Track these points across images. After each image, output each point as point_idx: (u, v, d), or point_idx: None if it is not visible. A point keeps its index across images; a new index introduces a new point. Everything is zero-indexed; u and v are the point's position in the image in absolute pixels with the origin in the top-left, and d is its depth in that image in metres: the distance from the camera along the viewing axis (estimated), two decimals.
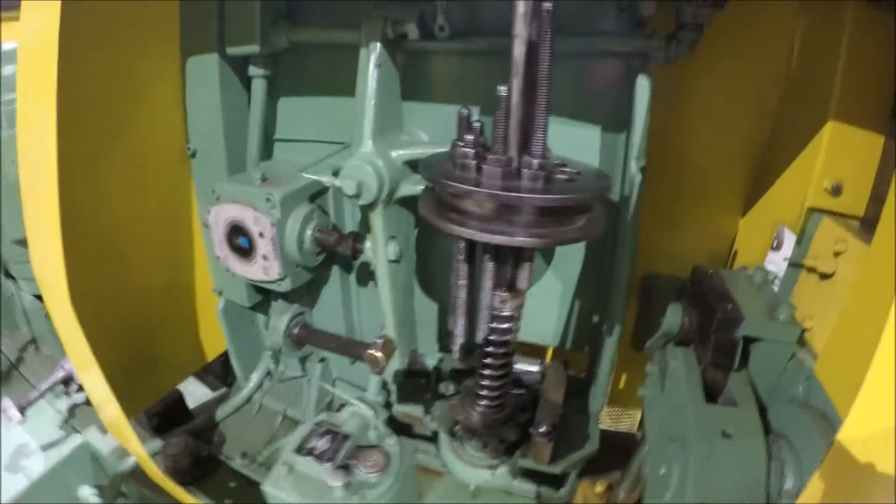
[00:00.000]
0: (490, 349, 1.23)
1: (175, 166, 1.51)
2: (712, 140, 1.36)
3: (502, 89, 0.93)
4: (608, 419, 2.01)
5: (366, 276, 1.59)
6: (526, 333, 1.48)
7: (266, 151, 1.53)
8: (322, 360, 1.72)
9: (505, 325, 1.20)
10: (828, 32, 1.11)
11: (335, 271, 1.60)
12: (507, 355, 1.25)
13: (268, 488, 1.29)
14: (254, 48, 1.32)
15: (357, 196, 1.18)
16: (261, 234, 1.30)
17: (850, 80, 1.09)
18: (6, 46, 1.76)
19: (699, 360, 1.14)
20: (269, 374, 1.78)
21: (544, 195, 0.92)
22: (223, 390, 1.90)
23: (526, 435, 1.37)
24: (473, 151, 0.97)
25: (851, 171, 1.13)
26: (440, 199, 1.05)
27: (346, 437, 1.33)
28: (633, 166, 1.16)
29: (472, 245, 1.08)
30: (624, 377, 1.71)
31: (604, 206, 1.12)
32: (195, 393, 1.88)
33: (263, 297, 1.65)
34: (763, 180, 1.34)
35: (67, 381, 1.63)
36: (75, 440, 1.61)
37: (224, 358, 1.84)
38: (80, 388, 1.65)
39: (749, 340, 1.10)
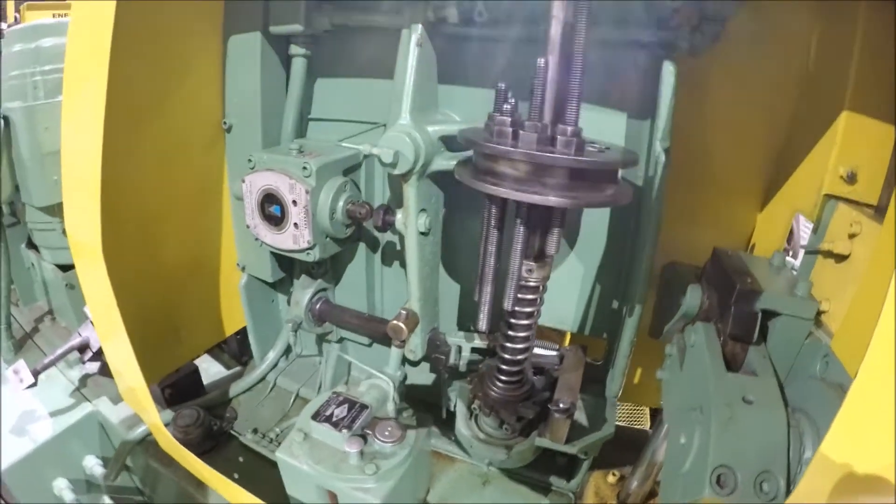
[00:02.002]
0: (513, 321, 1.30)
1: (210, 141, 1.61)
2: (732, 134, 1.45)
3: (541, 60, 1.03)
4: (623, 416, 2.04)
5: (391, 255, 1.66)
6: (546, 318, 1.56)
7: (300, 130, 1.62)
8: (340, 340, 1.77)
9: (531, 297, 1.27)
10: (842, 28, 1.21)
11: (361, 250, 1.68)
12: (529, 328, 1.32)
13: (281, 454, 1.34)
14: (297, 27, 1.42)
15: (393, 165, 1.26)
16: (294, 202, 1.38)
17: (864, 72, 1.18)
18: (42, 21, 1.90)
19: (719, 335, 1.19)
20: (285, 353, 1.83)
21: (577, 157, 1.01)
22: (238, 369, 1.95)
23: (543, 415, 1.42)
24: (510, 119, 1.07)
25: (866, 159, 1.21)
26: (476, 164, 1.14)
27: (363, 406, 1.37)
28: (658, 147, 1.25)
29: (502, 212, 1.16)
30: (639, 372, 1.75)
31: (630, 187, 1.22)
32: (210, 370, 1.93)
33: (286, 274, 1.72)
34: (780, 173, 1.43)
35: (83, 348, 1.68)
36: (85, 408, 1.66)
37: (241, 336, 1.90)
38: (94, 357, 1.71)
39: (768, 316, 1.16)
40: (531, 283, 1.24)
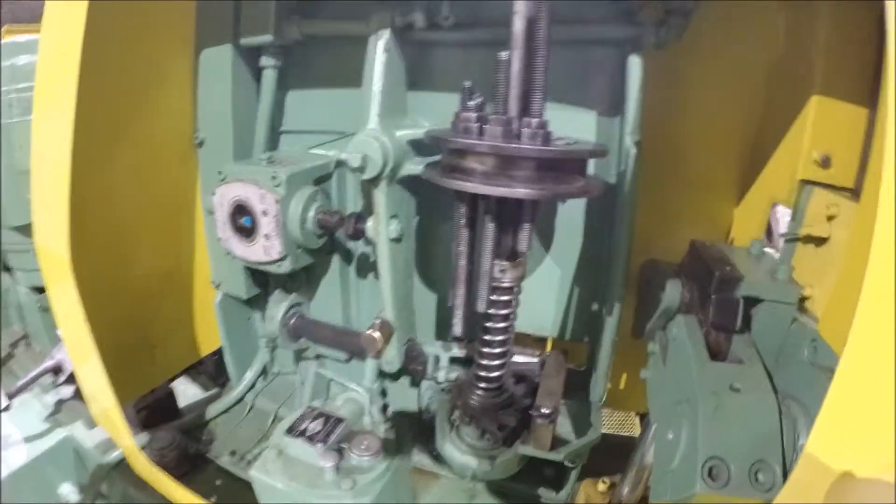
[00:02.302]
0: (489, 324, 1.27)
1: (182, 156, 1.60)
2: (704, 128, 1.45)
3: (503, 54, 1.03)
4: (612, 424, 1.99)
5: (366, 267, 1.64)
6: (525, 325, 1.54)
7: (272, 143, 1.62)
8: (318, 357, 1.72)
9: (505, 298, 1.24)
10: (808, 13, 1.22)
11: (335, 263, 1.65)
12: (506, 331, 1.28)
13: (255, 473, 1.29)
14: (267, 38, 1.43)
15: (362, 169, 1.25)
16: (264, 213, 1.36)
17: (832, 56, 1.19)
18: (15, 39, 1.91)
19: (700, 326, 1.17)
20: (263, 373, 1.78)
21: (543, 147, 1.00)
22: (215, 390, 1.89)
23: (526, 423, 1.37)
24: (476, 115, 1.06)
25: (839, 143, 1.21)
26: (444, 163, 1.13)
27: (339, 420, 1.33)
28: (629, 140, 1.24)
29: (472, 210, 1.14)
30: (624, 377, 1.71)
31: (600, 180, 1.21)
32: (186, 392, 1.88)
33: (261, 290, 1.69)
34: (755, 163, 1.42)
35: (56, 370, 1.63)
36: (59, 434, 1.59)
37: (217, 358, 1.85)
38: (68, 381, 1.66)
39: (750, 303, 1.14)
40: (505, 284, 1.21)
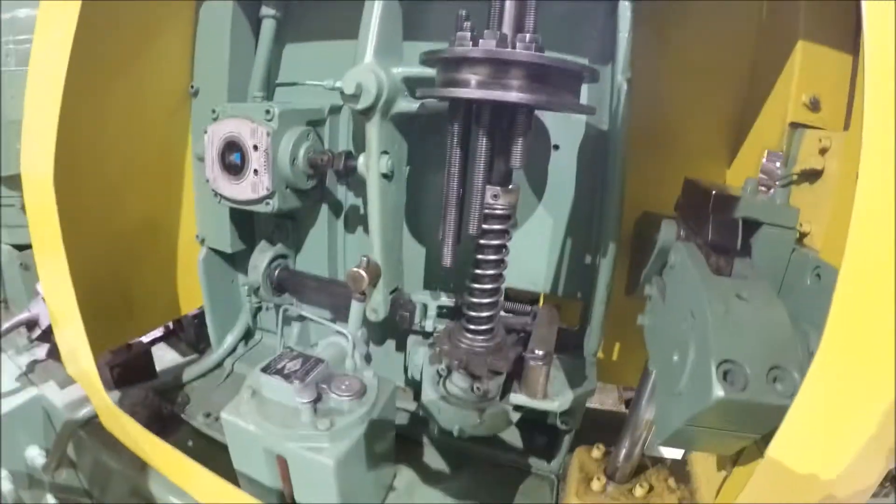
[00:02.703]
0: (480, 255, 1.24)
1: (176, 105, 1.62)
2: (697, 82, 1.47)
3: None
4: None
5: (354, 220, 1.62)
6: (516, 279, 1.51)
7: (268, 95, 1.63)
8: (302, 318, 1.67)
9: (498, 227, 1.22)
10: None
11: (323, 215, 1.63)
12: (499, 264, 1.25)
13: (225, 415, 1.21)
14: None
15: (356, 97, 1.25)
16: (255, 147, 1.36)
17: (815, 5, 1.23)
18: None
19: (700, 250, 1.14)
20: (244, 338, 1.72)
21: (536, 53, 1.01)
22: (194, 356, 1.82)
23: (517, 373, 1.32)
24: (470, 34, 1.07)
25: (827, 86, 1.23)
26: (438, 80, 1.13)
27: (319, 360, 1.27)
28: (620, 78, 1.26)
29: (465, 127, 1.14)
30: (617, 347, 1.66)
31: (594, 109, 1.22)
32: (164, 357, 1.80)
33: (247, 246, 1.65)
34: (746, 115, 1.44)
35: (31, 325, 1.58)
36: (29, 392, 1.54)
37: (198, 324, 1.79)
38: (43, 337, 1.60)
39: (749, 230, 1.11)
40: (498, 211, 1.19)
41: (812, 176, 1.18)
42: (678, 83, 1.49)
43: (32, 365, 1.69)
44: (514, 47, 1.04)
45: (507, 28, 1.07)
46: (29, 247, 2.00)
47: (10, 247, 2.04)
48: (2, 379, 1.61)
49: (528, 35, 1.04)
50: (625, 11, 1.27)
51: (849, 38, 1.23)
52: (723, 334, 0.88)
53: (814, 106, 1.24)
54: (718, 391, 0.81)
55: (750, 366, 0.83)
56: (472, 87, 1.03)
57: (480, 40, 1.05)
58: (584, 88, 1.39)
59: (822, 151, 1.15)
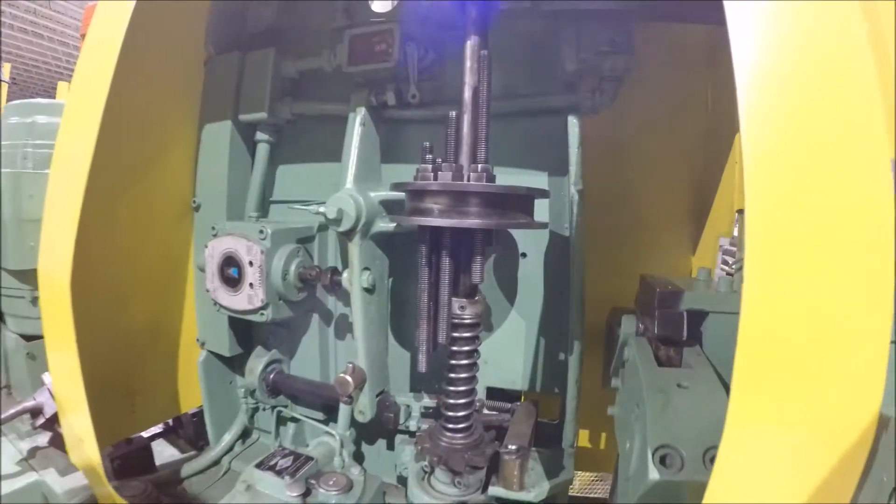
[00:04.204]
0: (453, 361, 1.47)
1: (179, 218, 1.91)
2: (654, 181, 1.74)
3: (452, 113, 1.35)
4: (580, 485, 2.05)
5: (344, 328, 1.86)
6: (496, 380, 1.74)
7: (263, 211, 1.93)
8: (296, 420, 1.89)
9: (467, 334, 1.45)
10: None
11: (314, 323, 1.87)
12: (471, 367, 1.47)
13: None
14: (262, 115, 1.79)
15: (337, 221, 1.52)
16: (251, 263, 1.63)
17: None
18: (38, 100, 2.35)
19: (650, 343, 1.35)
20: (242, 437, 1.94)
21: (486, 184, 1.28)
22: (193, 453, 2.03)
23: (496, 467, 1.52)
24: (431, 167, 1.35)
25: None
26: (407, 207, 1.40)
27: (308, 458, 1.48)
28: (573, 189, 1.52)
29: (432, 249, 1.39)
30: (601, 437, 1.84)
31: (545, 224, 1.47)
32: (164, 453, 2.01)
33: (244, 350, 1.91)
34: (703, 207, 1.68)
35: (36, 413, 1.81)
36: (30, 477, 1.75)
37: (197, 422, 2.02)
38: (46, 425, 1.83)
39: (696, 319, 1.32)
40: (466, 321, 1.43)
41: None
42: (637, 183, 1.76)
43: (34, 451, 1.90)
44: (468, 177, 1.32)
45: (464, 158, 1.36)
46: (35, 338, 2.29)
47: (18, 336, 2.33)
48: (2, 462, 1.83)
49: (479, 166, 1.32)
50: (573, 127, 1.54)
51: None
52: (660, 422, 1.05)
53: None
54: (654, 474, 0.97)
55: (686, 449, 0.98)
56: (434, 216, 1.30)
57: (439, 172, 1.33)
58: (546, 200, 1.67)
59: None
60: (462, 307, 1.41)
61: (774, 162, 0.78)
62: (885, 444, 0.88)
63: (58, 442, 1.90)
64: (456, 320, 1.41)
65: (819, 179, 0.78)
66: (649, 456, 1.00)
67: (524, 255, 1.68)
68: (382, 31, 1.66)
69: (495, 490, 1.48)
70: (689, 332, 1.32)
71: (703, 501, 0.85)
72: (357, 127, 1.66)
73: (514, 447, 1.45)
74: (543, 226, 1.40)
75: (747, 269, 0.82)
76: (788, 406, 0.81)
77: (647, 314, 1.45)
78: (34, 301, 2.26)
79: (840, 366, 0.79)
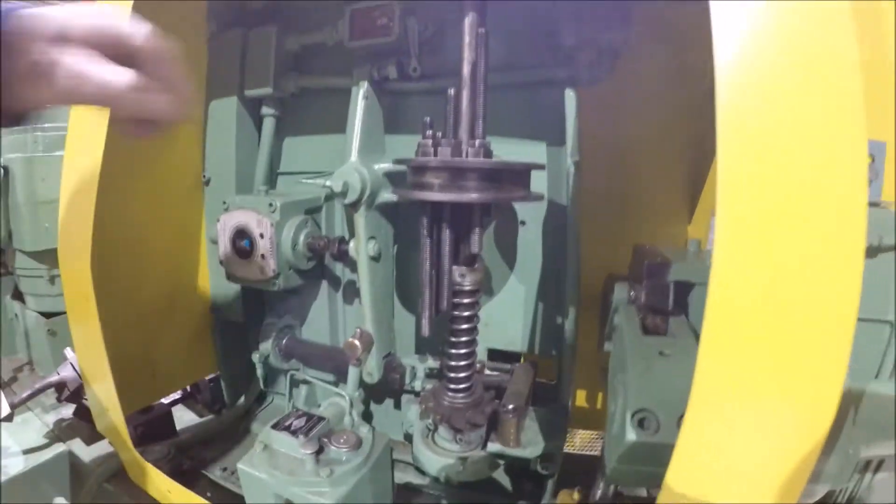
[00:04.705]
0: (454, 325, 1.60)
1: (190, 193, 2.03)
2: (651, 151, 1.83)
3: (450, 90, 1.45)
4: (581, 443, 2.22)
5: (352, 294, 2.00)
6: (497, 342, 1.87)
7: (270, 183, 2.05)
8: (307, 382, 2.06)
9: (467, 300, 1.58)
10: None
11: (323, 290, 2.01)
12: (470, 331, 1.61)
13: (241, 466, 1.58)
14: (267, 90, 1.88)
15: (343, 193, 1.64)
16: (261, 235, 1.76)
17: None
18: None
19: (638, 312, 1.48)
20: (257, 399, 2.12)
21: (481, 160, 1.39)
22: (211, 417, 2.21)
23: (495, 424, 1.67)
24: (432, 142, 1.46)
25: None
26: (408, 181, 1.52)
27: (321, 418, 1.64)
28: (569, 161, 1.63)
29: (433, 221, 1.51)
30: (599, 397, 1.99)
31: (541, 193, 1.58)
32: (183, 418, 2.19)
33: (257, 317, 2.06)
34: (700, 176, 1.79)
35: (60, 387, 1.98)
36: (57, 448, 1.93)
37: (213, 387, 2.19)
38: (69, 399, 2.01)
39: (685, 290, 1.44)
40: (466, 287, 1.56)
41: None
42: (636, 151, 1.86)
43: (59, 423, 2.07)
44: (466, 152, 1.43)
45: (463, 131, 1.46)
46: (54, 314, 2.46)
47: (38, 314, 2.50)
48: (29, 434, 1.99)
49: (477, 141, 1.43)
50: (570, 100, 1.63)
51: None
52: (640, 387, 1.16)
53: None
54: (631, 435, 1.09)
55: (662, 413, 1.08)
56: (434, 191, 1.41)
57: (439, 148, 1.44)
58: (544, 158, 1.77)
59: None
60: (462, 275, 1.53)
61: (746, 132, 0.86)
62: (851, 418, 1.01)
63: (81, 413, 2.06)
64: (457, 287, 1.54)
65: (790, 156, 0.85)
66: (628, 418, 1.11)
67: (523, 223, 1.79)
68: (383, 6, 1.74)
69: (493, 446, 1.63)
70: (676, 302, 1.43)
71: (672, 463, 0.99)
72: (360, 101, 1.76)
73: (510, 406, 1.60)
74: (539, 198, 1.51)
75: (717, 237, 0.90)
76: (753, 375, 0.91)
77: (637, 283, 1.58)
78: (52, 279, 2.43)
79: (806, 337, 0.87)
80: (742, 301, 0.90)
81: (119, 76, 0.90)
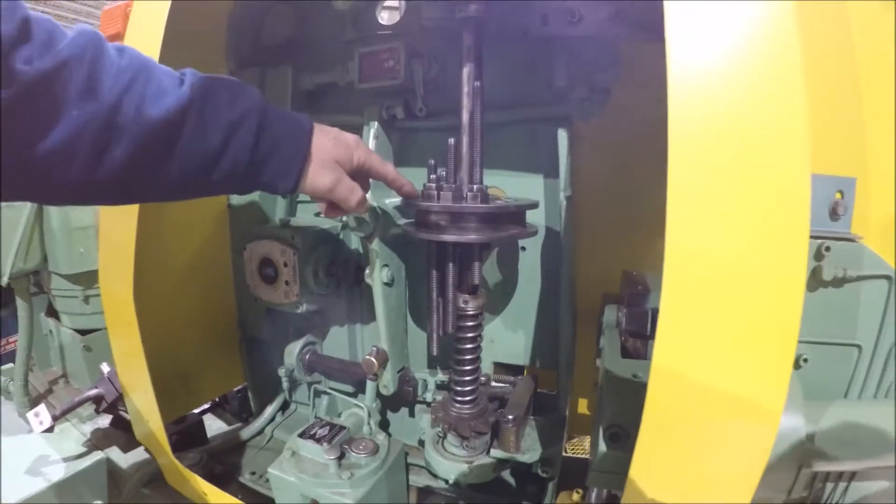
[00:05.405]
0: (460, 346, 1.87)
1: (217, 217, 2.31)
2: (646, 179, 2.04)
3: (451, 141, 1.70)
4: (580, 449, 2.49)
5: (367, 314, 2.28)
6: (502, 356, 2.14)
7: (291, 210, 2.33)
8: (328, 393, 2.35)
9: (471, 323, 1.85)
10: None
11: (343, 310, 2.29)
12: (474, 350, 1.88)
13: (272, 470, 1.89)
14: None
15: (358, 229, 1.92)
16: (285, 264, 2.04)
17: None
18: None
19: (620, 336, 1.74)
20: (282, 408, 2.42)
21: (478, 205, 1.65)
22: (239, 425, 2.53)
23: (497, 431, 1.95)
24: (436, 185, 1.72)
25: None
26: (416, 220, 1.78)
27: (342, 427, 1.94)
28: (561, 196, 1.87)
29: (439, 254, 1.76)
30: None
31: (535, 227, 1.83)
32: (213, 426, 2.50)
33: (282, 334, 2.36)
34: None
35: (98, 400, 2.29)
36: (96, 456, 2.19)
37: (241, 396, 2.50)
38: (107, 410, 2.32)
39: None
40: (470, 312, 1.82)
41: None
42: (631, 179, 2.08)
43: (97, 432, 2.34)
44: (466, 197, 1.68)
45: (464, 173, 1.71)
46: (89, 331, 2.80)
47: (73, 331, 2.83)
48: (69, 443, 2.25)
49: (475, 186, 1.69)
50: (562, 140, 1.86)
51: None
52: (612, 407, 1.42)
53: None
54: (603, 447, 1.38)
55: (633, 428, 1.30)
56: (437, 231, 1.67)
57: (441, 192, 1.70)
58: (541, 189, 2.02)
59: None
60: (465, 301, 1.79)
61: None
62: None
63: (117, 423, 2.34)
64: (461, 312, 1.81)
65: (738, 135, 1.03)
66: (601, 433, 1.38)
67: (524, 248, 2.04)
68: (390, 49, 1.99)
69: (496, 452, 1.90)
70: (654, 328, 1.68)
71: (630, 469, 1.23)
72: (371, 140, 2.02)
73: (510, 416, 1.86)
74: (533, 233, 1.76)
75: (669, 219, 1.14)
76: (699, 395, 1.14)
77: (623, 307, 1.83)
78: (86, 299, 2.75)
79: (747, 363, 1.08)
80: (687, 324, 1.14)
81: (359, 195, 1.51)
